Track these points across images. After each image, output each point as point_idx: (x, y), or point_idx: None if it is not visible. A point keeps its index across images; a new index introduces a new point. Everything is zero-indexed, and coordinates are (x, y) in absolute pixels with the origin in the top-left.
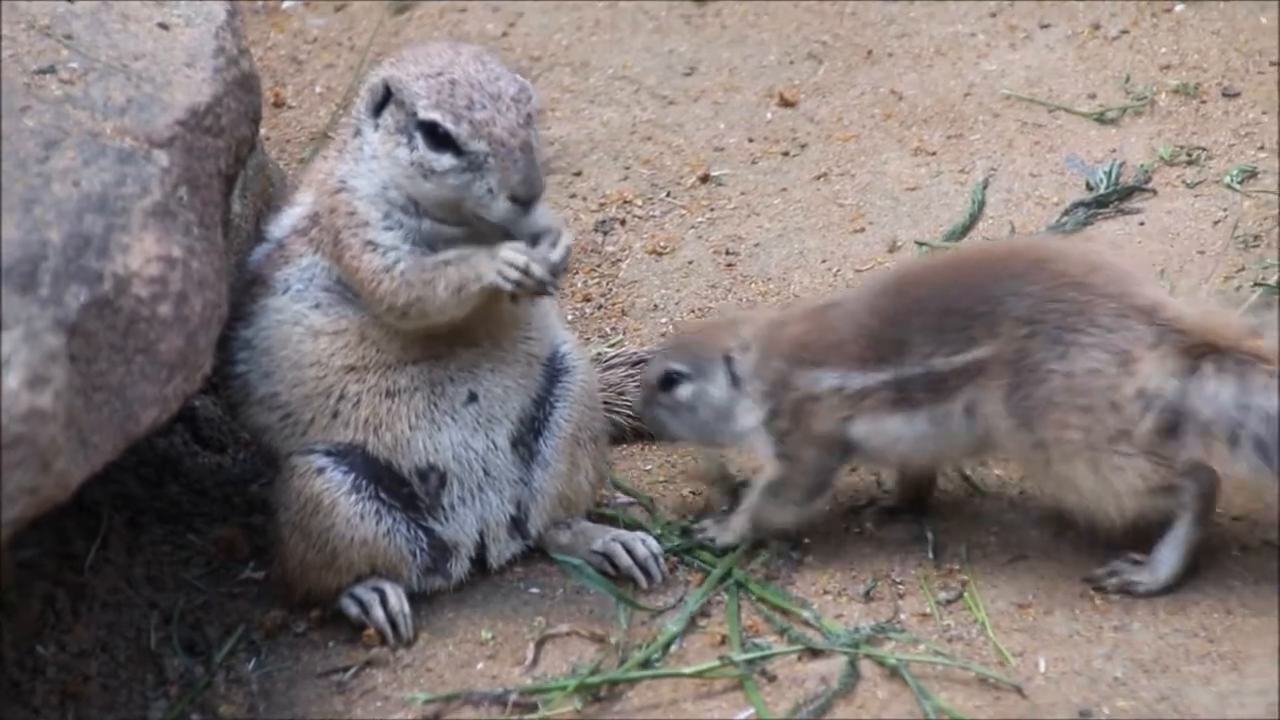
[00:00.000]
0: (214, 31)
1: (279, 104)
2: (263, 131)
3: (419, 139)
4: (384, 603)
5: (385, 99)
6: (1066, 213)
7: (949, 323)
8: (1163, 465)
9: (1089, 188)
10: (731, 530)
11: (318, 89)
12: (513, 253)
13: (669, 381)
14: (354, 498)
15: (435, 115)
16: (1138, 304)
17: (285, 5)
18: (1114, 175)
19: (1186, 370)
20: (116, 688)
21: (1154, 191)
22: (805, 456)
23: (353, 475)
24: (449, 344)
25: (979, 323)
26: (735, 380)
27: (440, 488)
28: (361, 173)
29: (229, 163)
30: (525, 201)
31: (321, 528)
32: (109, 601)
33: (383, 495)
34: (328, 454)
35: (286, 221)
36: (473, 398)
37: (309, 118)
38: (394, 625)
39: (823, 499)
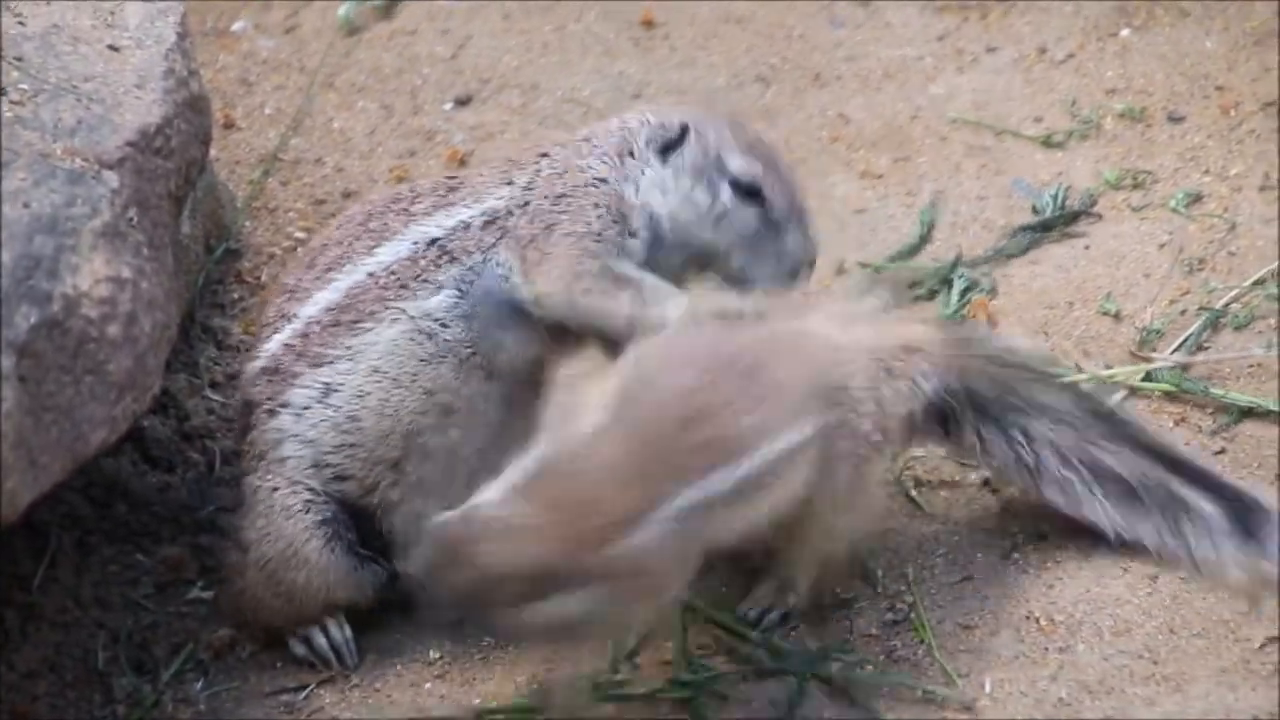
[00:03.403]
0: (164, 53)
1: (229, 125)
2: (212, 153)
3: (725, 189)
4: (326, 632)
5: (679, 140)
6: (1011, 236)
7: None
8: None
9: (1035, 211)
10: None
11: (268, 110)
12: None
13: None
14: (348, 559)
15: (753, 171)
16: None
17: (235, 27)
18: (1060, 199)
19: None
20: (64, 707)
21: (1099, 215)
22: None
23: (349, 537)
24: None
25: None
26: None
27: None
28: (633, 186)
29: (178, 184)
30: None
31: (294, 584)
32: (57, 621)
33: (362, 552)
34: (334, 516)
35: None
36: None
37: (259, 139)
38: (337, 654)
39: None
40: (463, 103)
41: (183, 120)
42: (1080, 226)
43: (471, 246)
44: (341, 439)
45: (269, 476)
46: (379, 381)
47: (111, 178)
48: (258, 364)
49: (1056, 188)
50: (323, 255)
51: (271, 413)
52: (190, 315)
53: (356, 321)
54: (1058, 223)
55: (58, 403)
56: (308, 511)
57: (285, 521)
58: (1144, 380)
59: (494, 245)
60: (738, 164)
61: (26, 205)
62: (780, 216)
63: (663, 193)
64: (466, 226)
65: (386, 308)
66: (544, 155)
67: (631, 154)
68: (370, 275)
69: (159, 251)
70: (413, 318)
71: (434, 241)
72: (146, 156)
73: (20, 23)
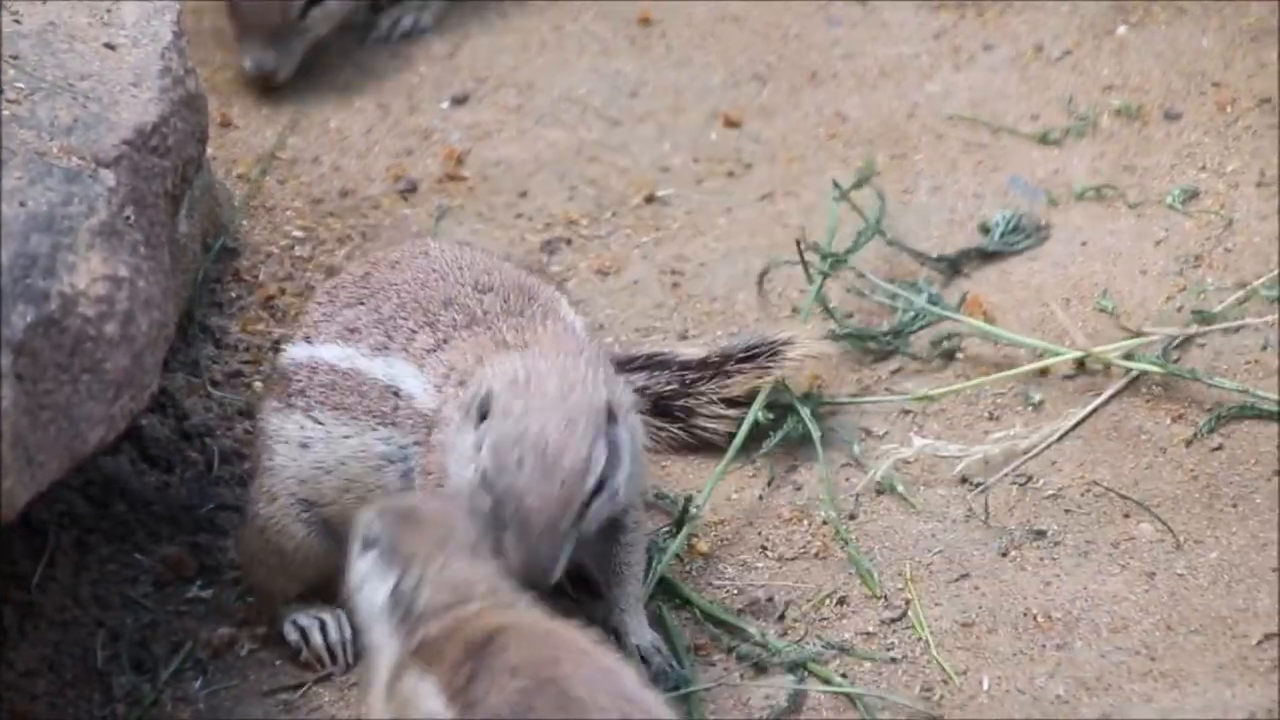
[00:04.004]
0: (160, 52)
1: (225, 124)
2: (210, 151)
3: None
4: (324, 630)
5: (486, 413)
6: (961, 254)
7: None
8: None
9: (984, 231)
10: None
11: (264, 109)
12: None
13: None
14: (331, 542)
15: (485, 456)
16: None
17: None
18: (1010, 223)
19: None
20: (64, 706)
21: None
22: None
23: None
24: None
25: None
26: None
27: None
28: (453, 458)
29: (175, 182)
30: (525, 578)
31: (283, 549)
32: (56, 620)
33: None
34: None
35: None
36: None
37: (256, 138)
38: (332, 653)
39: None
40: (459, 101)
41: (179, 119)
42: (1073, 226)
43: (410, 426)
44: (310, 476)
45: (264, 456)
46: (343, 465)
47: (108, 176)
48: (280, 355)
49: (1012, 212)
50: (356, 306)
51: (267, 414)
52: (188, 314)
53: (340, 402)
54: (1019, 243)
55: (55, 401)
56: (291, 504)
57: (273, 501)
58: (1137, 375)
59: (418, 444)
60: (484, 448)
61: (23, 204)
62: (500, 509)
63: (460, 456)
64: (412, 398)
65: (359, 413)
66: (461, 384)
67: (468, 416)
68: (362, 371)
69: (156, 250)
70: (366, 443)
71: (398, 393)
72: (143, 155)
73: (16, 21)
